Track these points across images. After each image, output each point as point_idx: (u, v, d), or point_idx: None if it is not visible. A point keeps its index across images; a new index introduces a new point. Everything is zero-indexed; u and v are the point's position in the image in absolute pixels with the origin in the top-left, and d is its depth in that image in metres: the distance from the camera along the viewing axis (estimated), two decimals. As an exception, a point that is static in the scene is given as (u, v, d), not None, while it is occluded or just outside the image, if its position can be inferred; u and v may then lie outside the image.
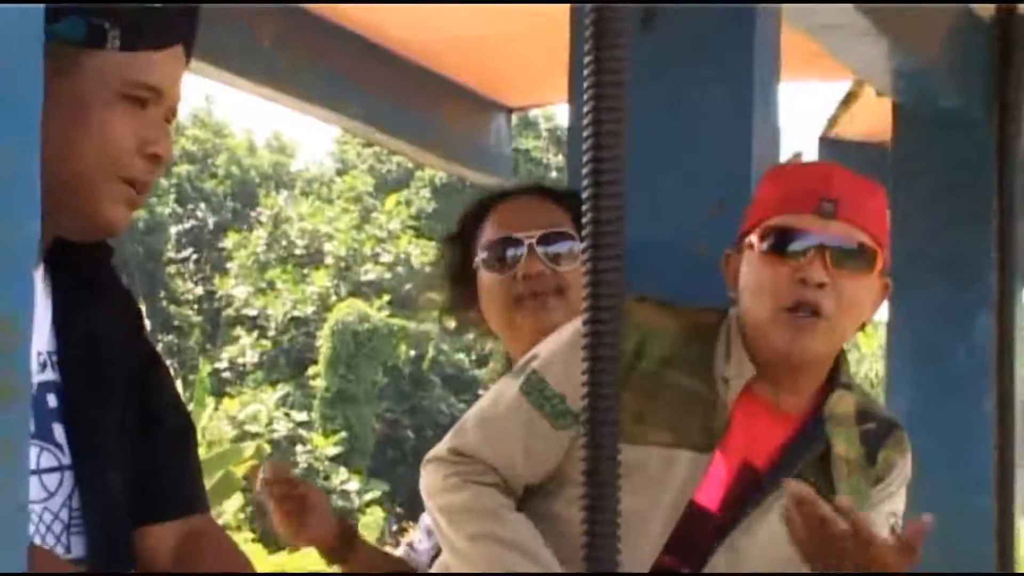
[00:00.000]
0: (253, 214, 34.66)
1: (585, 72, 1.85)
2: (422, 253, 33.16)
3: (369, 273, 32.61)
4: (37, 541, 1.71)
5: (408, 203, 34.76)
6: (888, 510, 2.56)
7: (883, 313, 5.61)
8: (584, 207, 1.86)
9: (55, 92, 1.69)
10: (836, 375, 2.51)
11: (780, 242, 2.41)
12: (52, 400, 1.76)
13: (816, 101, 7.04)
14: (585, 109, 1.86)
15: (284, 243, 33.51)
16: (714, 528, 2.43)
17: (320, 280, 32.54)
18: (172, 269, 35.58)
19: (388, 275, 32.65)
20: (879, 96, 5.54)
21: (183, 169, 35.47)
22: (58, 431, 1.75)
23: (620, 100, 1.86)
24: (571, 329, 2.47)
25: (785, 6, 3.33)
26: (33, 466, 1.71)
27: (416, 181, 35.59)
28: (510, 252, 2.75)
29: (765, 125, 3.18)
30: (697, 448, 2.40)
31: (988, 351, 4.97)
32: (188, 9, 1.82)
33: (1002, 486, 4.91)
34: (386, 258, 32.96)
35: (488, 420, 2.50)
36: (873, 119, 6.14)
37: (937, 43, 4.77)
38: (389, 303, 31.49)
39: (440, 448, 2.53)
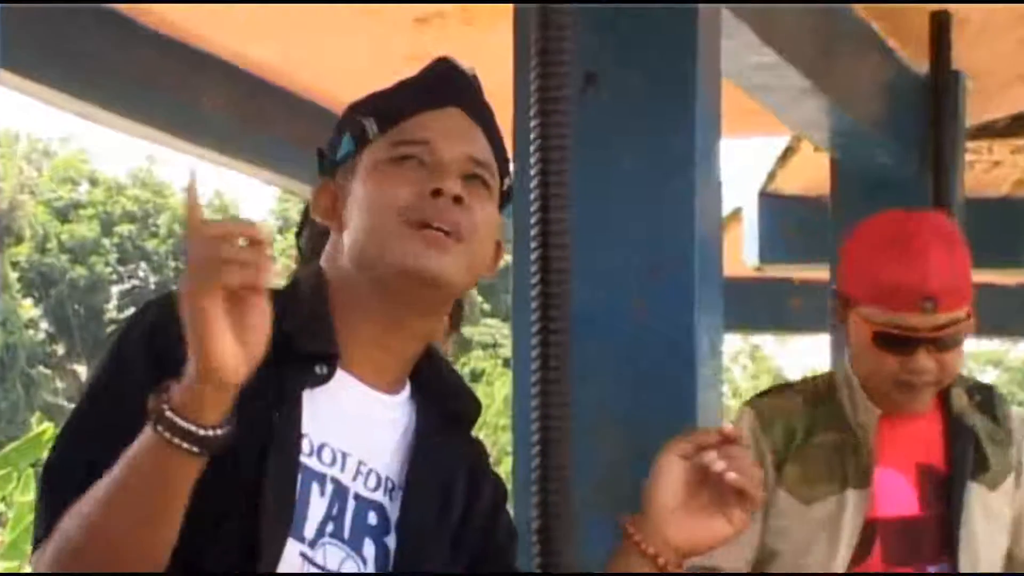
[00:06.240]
0: (195, 273, 34.44)
1: (531, 135, 1.88)
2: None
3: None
4: None
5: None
6: None
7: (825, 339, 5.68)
8: (533, 264, 1.89)
9: (344, 197, 1.78)
10: None
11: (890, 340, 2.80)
12: (372, 518, 1.76)
13: (753, 156, 7.18)
14: (532, 172, 1.89)
15: (227, 302, 33.38)
16: (930, 525, 2.88)
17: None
18: (113, 329, 35.32)
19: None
20: (817, 151, 5.61)
21: (124, 229, 35.26)
22: (368, 548, 1.75)
23: (564, 162, 1.89)
24: None
25: (725, 67, 3.34)
26: (335, 567, 1.72)
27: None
28: None
29: (708, 181, 3.19)
30: (858, 486, 2.85)
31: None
32: (441, 77, 1.83)
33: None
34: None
35: None
36: (811, 174, 6.21)
37: (874, 100, 4.82)
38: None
39: None
